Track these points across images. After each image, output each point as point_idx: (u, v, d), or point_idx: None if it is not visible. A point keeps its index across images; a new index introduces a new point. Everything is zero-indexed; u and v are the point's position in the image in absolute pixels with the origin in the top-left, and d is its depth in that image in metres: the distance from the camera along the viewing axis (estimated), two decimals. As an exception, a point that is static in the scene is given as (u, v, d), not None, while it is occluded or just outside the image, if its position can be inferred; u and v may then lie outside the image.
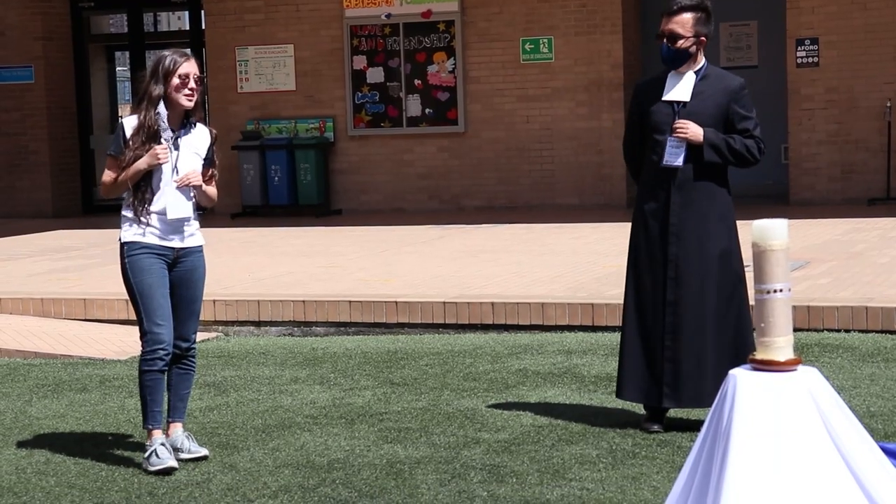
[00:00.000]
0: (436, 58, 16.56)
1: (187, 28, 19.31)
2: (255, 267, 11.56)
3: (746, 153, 6.20)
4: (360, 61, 16.81)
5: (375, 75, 16.79)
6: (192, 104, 5.89)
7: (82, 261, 12.32)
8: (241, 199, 16.93)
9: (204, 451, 6.00)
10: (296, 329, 9.50)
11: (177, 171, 5.87)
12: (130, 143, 5.84)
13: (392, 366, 8.01)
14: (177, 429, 6.04)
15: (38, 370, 8.32)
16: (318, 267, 11.37)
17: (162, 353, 5.90)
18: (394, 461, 5.85)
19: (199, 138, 6.00)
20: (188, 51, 6.01)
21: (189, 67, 5.88)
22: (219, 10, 17.24)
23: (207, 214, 17.98)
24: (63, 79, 18.07)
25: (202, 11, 17.71)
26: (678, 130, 6.15)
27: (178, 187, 5.87)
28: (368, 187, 16.88)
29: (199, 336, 9.24)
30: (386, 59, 16.74)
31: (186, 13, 19.05)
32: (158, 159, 5.81)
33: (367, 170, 16.89)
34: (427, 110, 16.64)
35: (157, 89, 5.85)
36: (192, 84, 5.85)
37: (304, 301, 9.54)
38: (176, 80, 5.83)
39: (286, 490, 5.47)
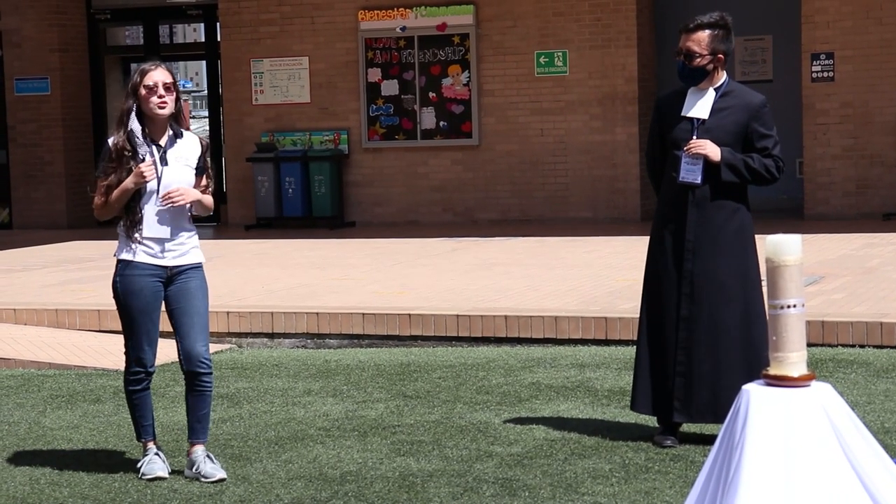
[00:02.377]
0: (450, 71, 16.58)
1: (203, 40, 19.36)
2: (269, 279, 11.57)
3: (765, 172, 6.19)
4: (374, 74, 16.85)
5: (390, 88, 16.82)
6: (165, 112, 5.79)
7: (97, 272, 12.35)
8: (256, 211, 16.96)
9: (222, 475, 5.87)
10: (309, 341, 9.51)
11: (160, 189, 5.78)
12: (113, 163, 5.77)
13: (405, 378, 8.01)
14: (198, 449, 5.94)
15: (52, 381, 8.34)
16: (332, 279, 11.38)
17: (143, 374, 5.91)
18: (406, 474, 5.85)
19: (188, 148, 5.89)
20: (158, 60, 5.94)
21: (157, 76, 5.78)
22: (234, 23, 17.29)
23: (221, 226, 18.06)
24: (79, 90, 18.14)
25: (218, 23, 17.77)
26: (692, 149, 6.15)
27: (159, 205, 5.78)
28: (382, 200, 16.89)
29: (213, 348, 9.26)
30: (400, 71, 16.76)
31: (202, 25, 19.11)
32: (144, 177, 5.72)
33: (381, 182, 16.91)
34: (441, 123, 16.66)
35: (128, 104, 5.79)
36: (160, 91, 5.75)
37: (317, 313, 9.54)
38: (143, 91, 5.76)
39: (298, 502, 5.47)
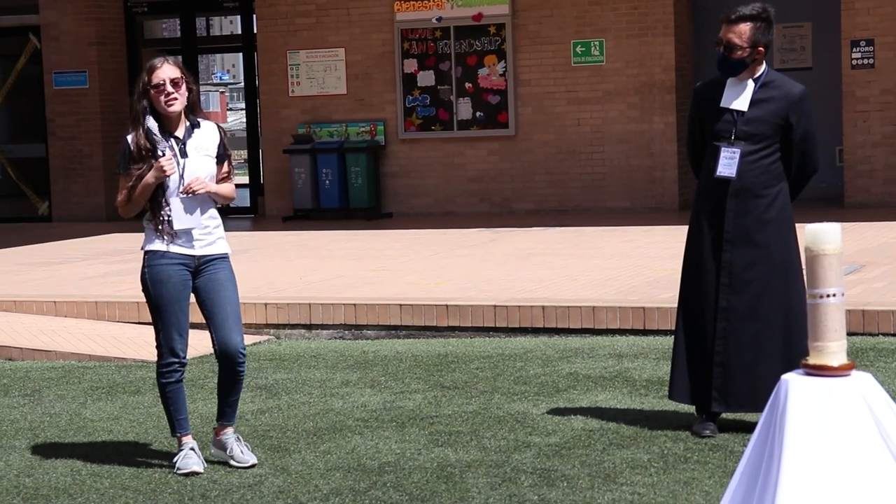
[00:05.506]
0: (486, 61, 16.56)
1: (239, 32, 19.42)
2: (307, 270, 11.60)
3: (807, 182, 6.35)
4: (410, 65, 16.84)
5: (426, 79, 16.81)
6: (175, 108, 5.79)
7: (136, 264, 12.35)
8: (293, 203, 17.00)
9: (252, 460, 5.94)
10: (347, 332, 9.52)
11: (183, 180, 5.80)
12: (134, 160, 5.79)
13: (443, 369, 8.01)
14: (227, 431, 6.02)
15: (92, 373, 8.40)
16: (369, 270, 11.39)
17: (177, 364, 5.90)
18: (444, 465, 5.86)
19: (206, 138, 5.90)
20: (168, 56, 5.91)
21: (162, 73, 5.76)
22: (270, 15, 17.33)
23: (259, 217, 18.12)
24: (117, 83, 18.24)
25: (254, 16, 17.81)
26: None
27: (182, 197, 5.80)
28: (419, 190, 16.90)
29: (251, 339, 9.31)
30: (437, 62, 16.75)
31: (238, 17, 19.16)
32: (164, 171, 5.74)
33: (417, 173, 16.91)
34: (478, 113, 16.64)
35: (141, 103, 5.80)
36: (168, 89, 5.74)
37: (354, 304, 9.56)
38: (151, 90, 5.77)
39: (337, 493, 5.49)
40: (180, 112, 5.83)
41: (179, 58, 6.00)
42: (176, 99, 5.78)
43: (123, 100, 18.34)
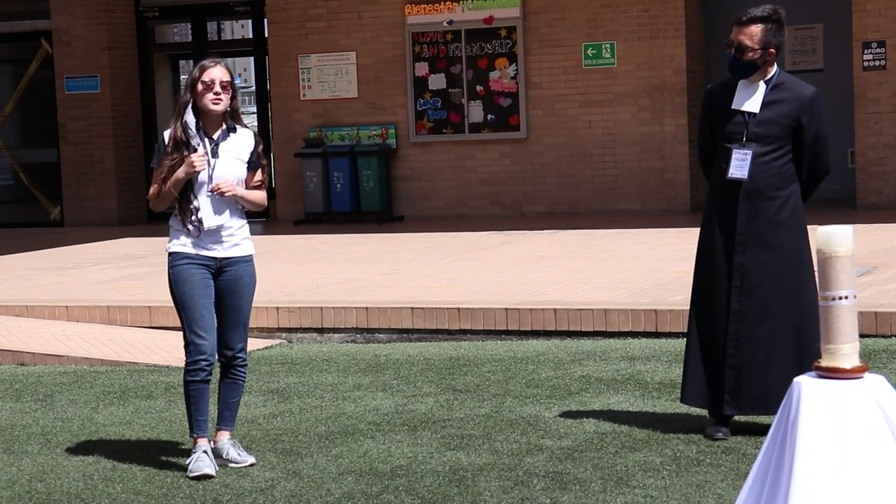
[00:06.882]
0: (497, 64, 16.55)
1: (251, 36, 19.45)
2: (318, 274, 11.61)
3: (818, 183, 6.33)
4: (421, 68, 16.84)
5: (437, 82, 16.81)
6: (219, 108, 5.92)
7: (147, 269, 12.44)
8: (304, 206, 17.01)
9: (251, 460, 6.03)
10: (358, 336, 9.52)
11: (212, 180, 5.91)
12: (168, 152, 5.92)
13: (454, 372, 8.01)
14: (223, 436, 6.08)
15: (104, 377, 8.41)
16: (381, 273, 11.39)
17: (204, 363, 5.95)
18: (456, 468, 5.85)
19: (241, 143, 6.02)
20: (220, 58, 6.06)
21: (214, 73, 5.91)
22: (281, 18, 17.35)
23: (271, 222, 18.12)
24: (128, 88, 18.27)
25: (265, 20, 17.84)
26: None
27: (210, 196, 5.91)
28: (430, 194, 16.89)
29: (263, 343, 9.32)
30: (448, 65, 16.75)
31: (250, 21, 19.19)
32: (194, 167, 5.85)
33: (429, 176, 16.91)
34: (489, 116, 16.64)
35: (185, 97, 5.96)
36: (217, 88, 5.88)
37: (366, 308, 9.56)
38: (200, 86, 5.90)
39: (349, 497, 5.49)
40: (221, 114, 5.96)
41: (232, 61, 6.12)
42: (221, 100, 5.92)
43: (135, 104, 18.39)
